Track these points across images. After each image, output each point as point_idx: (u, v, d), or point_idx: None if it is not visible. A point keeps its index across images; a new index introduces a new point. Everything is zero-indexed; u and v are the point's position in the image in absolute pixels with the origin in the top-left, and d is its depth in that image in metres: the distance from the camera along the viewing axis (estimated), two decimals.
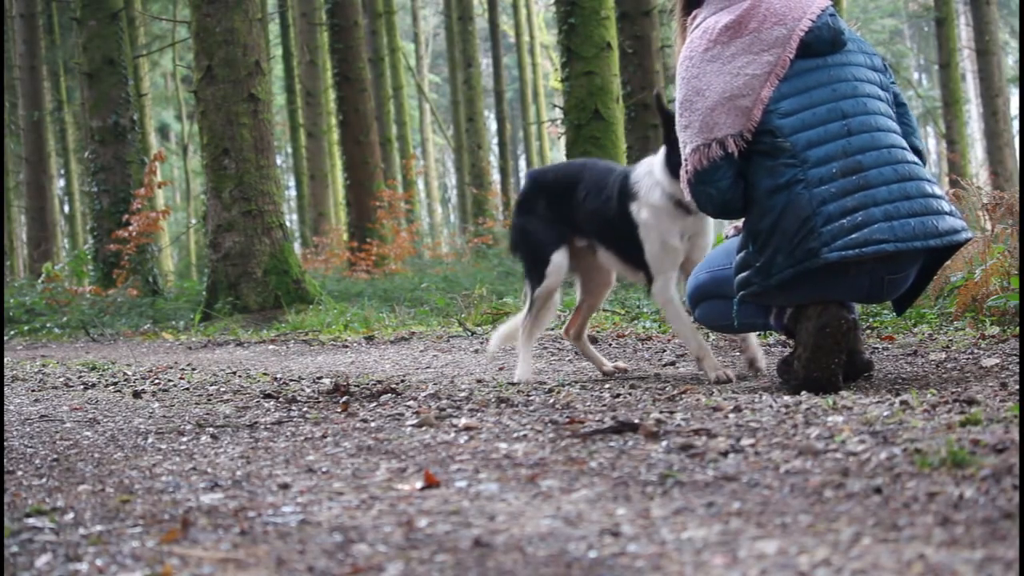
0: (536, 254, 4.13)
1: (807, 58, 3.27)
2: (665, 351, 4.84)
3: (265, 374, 5.09)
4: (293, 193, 27.56)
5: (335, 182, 21.24)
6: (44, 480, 2.62)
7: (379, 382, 4.25)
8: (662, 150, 3.82)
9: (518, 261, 4.29)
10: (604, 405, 3.23)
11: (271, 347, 7.18)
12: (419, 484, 2.26)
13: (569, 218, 4.07)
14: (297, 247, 20.65)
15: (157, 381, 5.04)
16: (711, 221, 3.92)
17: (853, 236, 3.08)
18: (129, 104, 12.97)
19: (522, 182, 4.54)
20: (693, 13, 3.47)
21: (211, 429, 3.28)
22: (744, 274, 3.28)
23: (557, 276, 4.08)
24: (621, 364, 4.31)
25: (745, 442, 2.42)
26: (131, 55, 14.05)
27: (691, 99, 3.30)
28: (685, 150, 3.33)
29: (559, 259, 4.07)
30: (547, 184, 4.19)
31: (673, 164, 3.69)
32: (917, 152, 3.35)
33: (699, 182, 3.31)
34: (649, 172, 3.87)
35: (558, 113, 10.63)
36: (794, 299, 3.25)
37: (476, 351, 5.60)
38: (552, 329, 6.15)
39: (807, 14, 3.28)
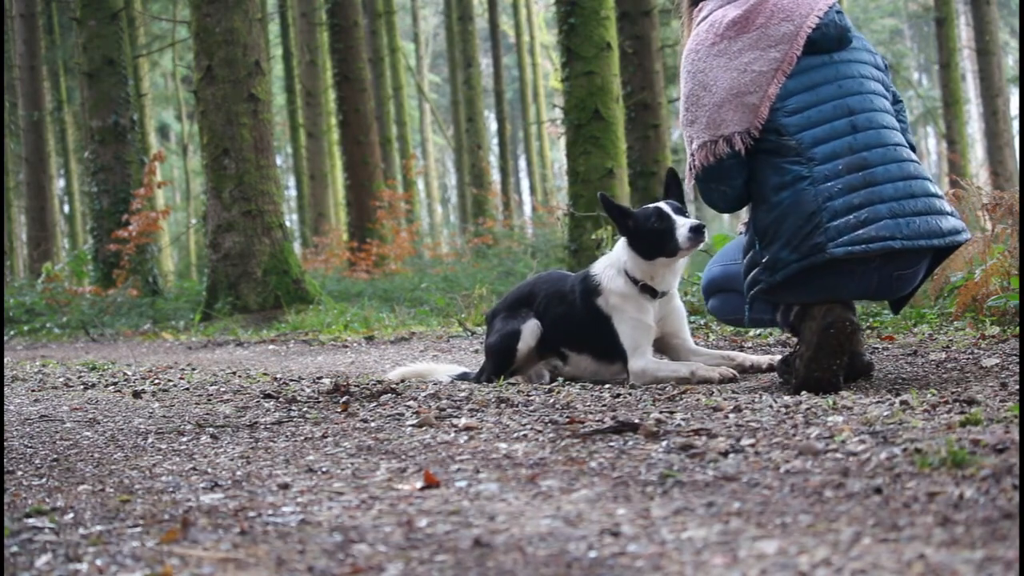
0: (503, 337, 4.12)
1: (814, 55, 3.27)
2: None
3: (265, 374, 5.09)
4: (293, 193, 27.57)
5: (335, 182, 21.25)
6: (44, 480, 2.62)
7: (379, 382, 4.25)
8: (619, 244, 3.95)
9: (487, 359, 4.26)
10: (604, 405, 3.23)
11: (271, 347, 7.18)
12: (419, 484, 2.26)
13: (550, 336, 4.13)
14: (297, 247, 20.66)
15: (157, 381, 5.04)
16: (677, 296, 4.02)
17: (859, 232, 3.08)
18: (129, 104, 12.97)
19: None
20: (700, 5, 3.46)
21: (211, 429, 3.28)
22: (752, 273, 3.28)
23: (531, 340, 4.09)
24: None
25: (745, 442, 2.42)
26: (131, 55, 14.05)
27: (697, 94, 3.29)
28: (692, 146, 3.32)
29: (531, 325, 4.09)
30: (502, 309, 4.27)
31: (640, 247, 3.82)
32: (911, 148, 3.37)
33: (709, 179, 3.31)
34: (608, 265, 3.98)
35: (558, 113, 10.63)
36: (802, 296, 3.24)
37: (476, 351, 5.60)
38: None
39: (814, 10, 3.28)
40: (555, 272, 4.34)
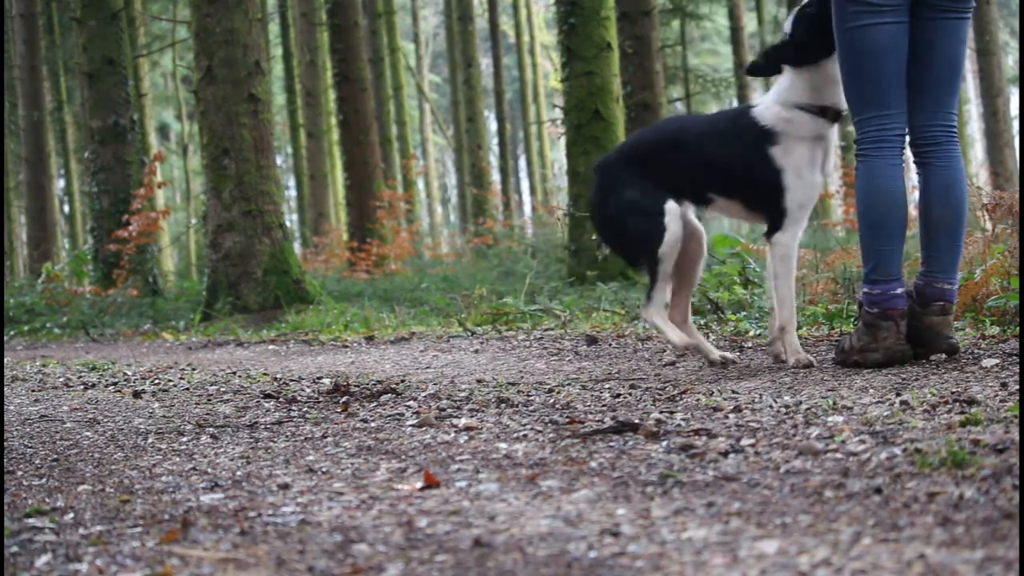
0: (643, 217, 3.76)
1: None
2: (665, 351, 4.83)
3: (265, 374, 5.09)
4: (293, 193, 27.59)
5: (335, 182, 21.26)
6: (44, 480, 2.62)
7: (379, 382, 4.25)
8: (780, 83, 3.72)
9: (613, 250, 3.96)
10: (604, 405, 3.23)
11: (271, 347, 7.17)
12: (419, 484, 2.26)
13: (669, 182, 3.82)
14: (297, 247, 20.65)
15: (157, 381, 5.04)
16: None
17: None
18: (129, 104, 12.96)
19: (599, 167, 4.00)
20: None
21: (211, 429, 3.28)
22: None
23: (677, 226, 3.76)
24: (730, 355, 3.96)
25: (745, 442, 2.42)
26: (131, 55, 14.04)
27: None
28: None
29: (672, 208, 3.74)
30: (637, 152, 3.90)
31: (807, 54, 3.62)
32: None
33: None
34: (775, 105, 3.69)
35: (558, 113, 10.64)
36: None
37: (476, 351, 5.60)
38: (551, 329, 6.15)
39: None
40: (693, 115, 4.03)
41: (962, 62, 3.58)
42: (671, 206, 3.77)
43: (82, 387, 5.03)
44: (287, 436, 3.06)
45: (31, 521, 2.13)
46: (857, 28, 3.44)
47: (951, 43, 3.49)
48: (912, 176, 3.74)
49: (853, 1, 3.43)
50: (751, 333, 5.17)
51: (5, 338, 10.99)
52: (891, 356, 3.49)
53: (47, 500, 2.35)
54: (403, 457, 2.60)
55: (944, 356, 3.58)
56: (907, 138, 3.57)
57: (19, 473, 2.73)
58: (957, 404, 2.69)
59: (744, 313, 5.56)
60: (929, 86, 3.51)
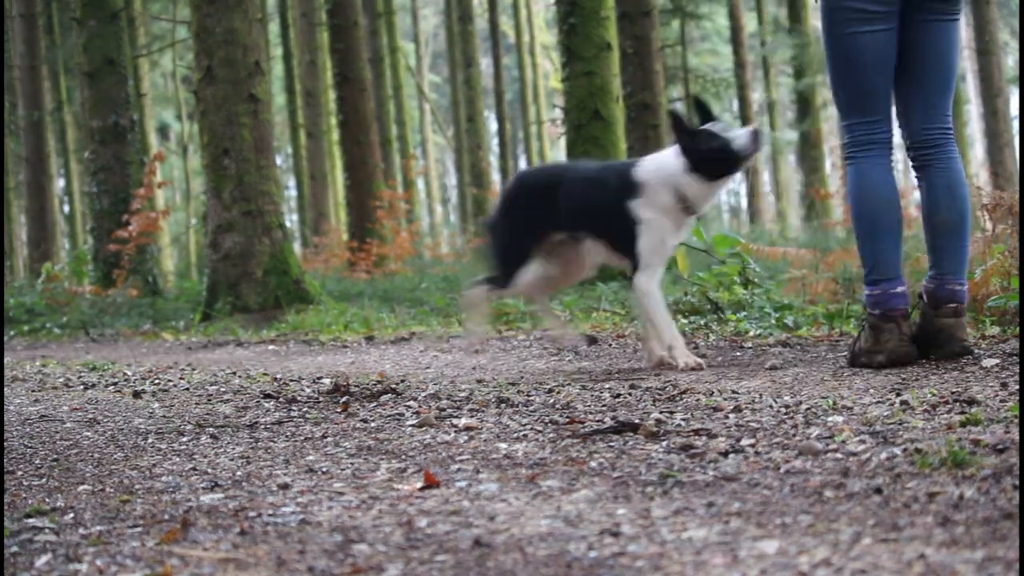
0: (505, 262, 4.37)
1: None
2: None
3: (265, 374, 5.09)
4: (293, 193, 27.58)
5: (335, 182, 21.25)
6: (44, 480, 2.62)
7: (379, 382, 4.25)
8: (674, 158, 3.93)
9: (487, 252, 4.49)
10: (604, 405, 3.23)
11: (271, 347, 7.17)
12: (419, 484, 2.26)
13: (550, 215, 4.18)
14: (297, 247, 20.64)
15: (157, 381, 5.04)
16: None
17: None
18: (129, 104, 12.96)
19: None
20: None
21: (211, 429, 3.28)
22: None
23: (519, 289, 4.41)
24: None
25: (745, 442, 2.42)
26: (131, 55, 14.05)
27: None
28: None
29: (522, 278, 4.33)
30: (532, 183, 4.37)
31: (704, 168, 3.84)
32: None
33: None
34: (659, 169, 3.96)
35: (558, 113, 10.65)
36: None
37: (476, 351, 5.59)
38: (549, 330, 6.15)
39: None
40: (590, 162, 4.47)
41: (955, 63, 3.57)
42: (521, 276, 4.48)
43: (82, 387, 5.02)
44: (287, 436, 3.06)
45: (31, 521, 2.13)
46: (847, 35, 3.44)
47: (943, 45, 3.49)
48: (911, 178, 3.75)
49: (844, 8, 3.43)
50: (751, 333, 5.18)
51: (5, 338, 11.00)
52: (894, 358, 3.50)
53: (47, 500, 2.36)
54: (403, 457, 2.60)
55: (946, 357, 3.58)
56: (894, 140, 3.60)
57: (19, 473, 2.73)
58: (957, 404, 2.69)
59: (744, 313, 5.56)
60: (923, 89, 3.51)
